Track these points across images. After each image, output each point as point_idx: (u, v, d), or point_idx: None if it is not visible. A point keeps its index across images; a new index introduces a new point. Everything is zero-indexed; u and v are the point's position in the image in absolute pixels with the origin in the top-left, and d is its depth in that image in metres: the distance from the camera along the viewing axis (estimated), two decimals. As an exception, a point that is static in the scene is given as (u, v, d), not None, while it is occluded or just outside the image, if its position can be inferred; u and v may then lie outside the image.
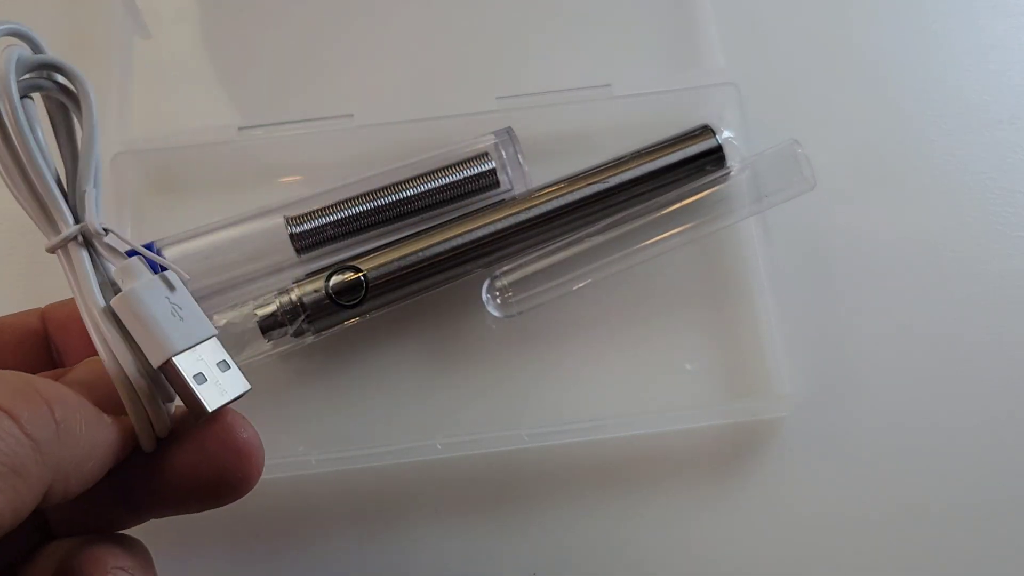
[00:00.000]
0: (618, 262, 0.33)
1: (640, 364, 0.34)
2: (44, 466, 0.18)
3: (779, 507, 0.32)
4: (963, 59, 0.39)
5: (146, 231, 0.35)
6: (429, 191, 0.34)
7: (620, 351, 0.34)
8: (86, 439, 0.19)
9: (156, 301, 0.21)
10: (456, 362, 0.34)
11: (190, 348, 0.20)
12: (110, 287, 0.21)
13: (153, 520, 0.23)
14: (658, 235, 0.34)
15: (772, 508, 0.32)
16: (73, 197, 0.21)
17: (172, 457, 0.21)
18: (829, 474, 0.33)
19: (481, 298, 0.33)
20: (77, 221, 0.21)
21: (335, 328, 0.33)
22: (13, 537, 0.20)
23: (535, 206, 0.34)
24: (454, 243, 0.33)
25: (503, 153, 0.34)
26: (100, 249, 0.21)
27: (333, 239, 0.33)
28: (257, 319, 0.31)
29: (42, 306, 0.24)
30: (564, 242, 0.34)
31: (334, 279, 0.32)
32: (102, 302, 0.20)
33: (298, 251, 0.33)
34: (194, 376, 0.20)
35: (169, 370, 0.20)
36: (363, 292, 0.32)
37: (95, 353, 0.21)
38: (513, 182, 0.34)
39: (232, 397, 0.21)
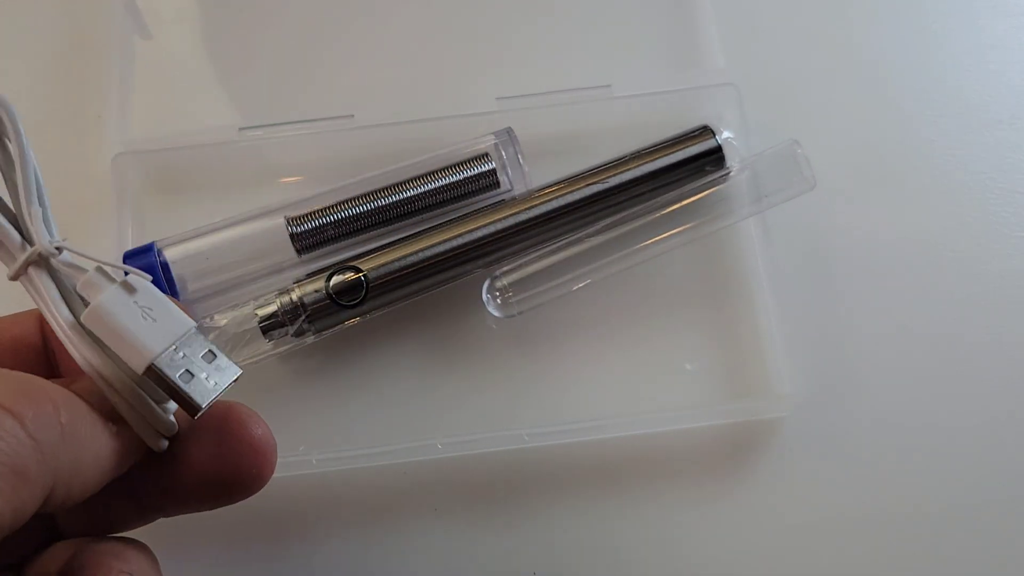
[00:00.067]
0: (618, 262, 0.34)
1: (640, 364, 0.34)
2: (46, 468, 0.17)
3: (779, 507, 0.32)
4: (963, 59, 0.39)
5: (147, 231, 0.35)
6: (429, 191, 0.34)
7: (620, 351, 0.34)
8: (90, 445, 0.19)
9: (123, 309, 0.20)
10: (456, 362, 0.34)
11: (169, 348, 0.20)
12: (80, 302, 0.21)
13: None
14: (658, 235, 0.34)
15: (772, 508, 0.32)
16: (22, 221, 0.21)
17: (185, 455, 0.21)
18: (829, 474, 0.33)
19: (481, 298, 0.33)
20: (31, 244, 0.20)
21: (335, 328, 0.33)
22: (21, 536, 0.20)
23: (535, 206, 0.34)
24: (454, 243, 0.33)
25: (503, 154, 0.34)
26: (59, 267, 0.21)
27: (333, 239, 0.33)
28: (258, 319, 0.31)
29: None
30: (564, 242, 0.34)
31: (334, 279, 0.32)
32: (72, 319, 0.20)
33: (299, 251, 0.33)
34: (180, 376, 0.20)
35: (153, 375, 0.20)
36: (363, 292, 0.32)
37: None
38: (513, 182, 0.34)
39: (223, 387, 0.21)
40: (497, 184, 0.34)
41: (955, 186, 0.37)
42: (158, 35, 0.39)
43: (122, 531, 0.22)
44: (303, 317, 0.32)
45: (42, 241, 0.20)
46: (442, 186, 0.34)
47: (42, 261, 0.20)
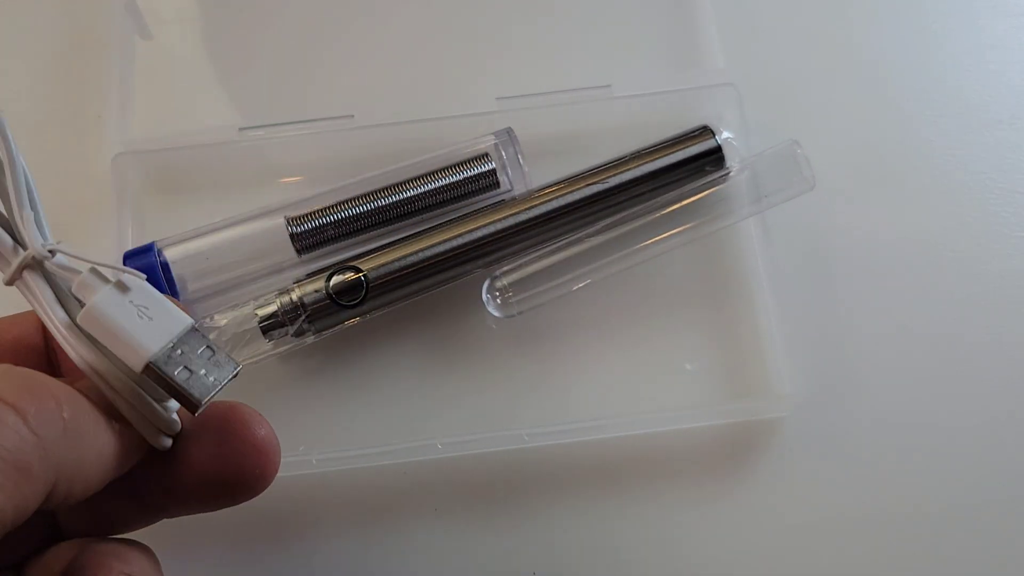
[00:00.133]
0: (618, 262, 0.34)
1: (640, 364, 0.34)
2: (49, 465, 0.17)
3: (779, 507, 0.32)
4: (963, 59, 0.39)
5: (147, 232, 0.35)
6: (429, 192, 0.34)
7: (620, 351, 0.34)
8: (93, 442, 0.19)
9: (118, 309, 0.20)
10: (456, 362, 0.34)
11: (167, 346, 0.20)
12: (76, 304, 0.21)
13: (155, 519, 0.23)
14: (658, 235, 0.34)
15: (772, 508, 0.32)
16: (14, 226, 0.21)
17: (186, 456, 0.21)
18: (829, 474, 0.33)
19: (481, 298, 0.33)
20: (24, 248, 0.20)
21: (335, 328, 0.33)
22: (22, 535, 0.20)
23: (535, 206, 0.34)
24: (454, 243, 0.33)
25: (503, 154, 0.34)
26: (53, 270, 0.20)
27: (334, 239, 0.33)
28: (258, 319, 0.31)
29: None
30: (564, 242, 0.34)
31: (334, 279, 0.32)
32: (68, 321, 0.20)
33: (299, 251, 0.33)
34: (178, 373, 0.20)
35: (151, 374, 0.20)
36: (363, 292, 0.32)
37: None
38: (513, 183, 0.34)
39: (223, 383, 0.20)
40: (497, 184, 0.34)
41: (955, 186, 0.37)
42: (158, 35, 0.39)
43: (125, 531, 0.22)
44: (303, 317, 0.32)
45: (35, 245, 0.20)
46: (442, 186, 0.34)
47: (36, 265, 0.20)
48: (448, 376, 0.34)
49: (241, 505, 0.22)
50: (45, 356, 0.23)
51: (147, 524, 0.22)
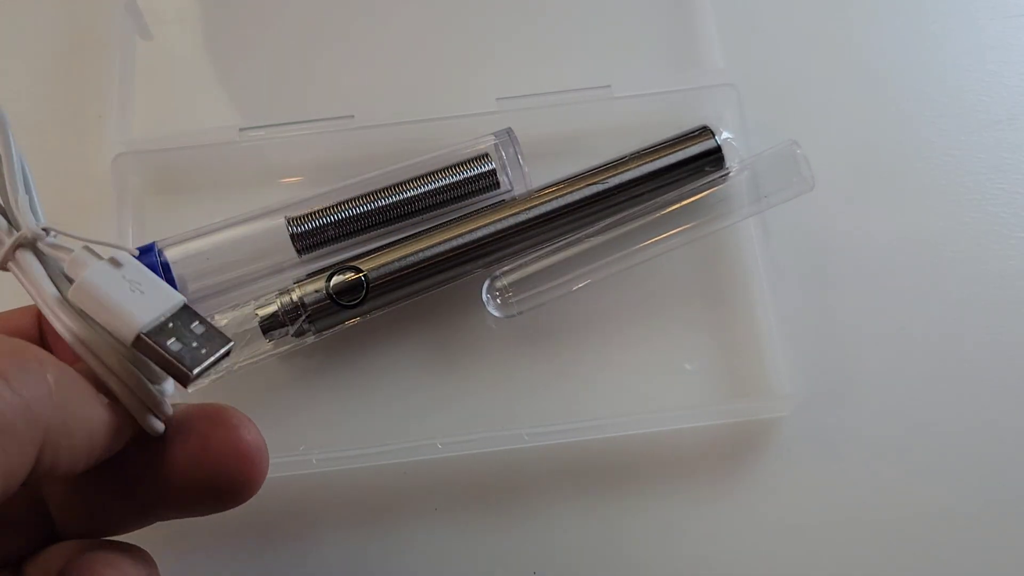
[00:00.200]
0: (618, 262, 0.34)
1: (640, 364, 0.34)
2: (35, 426, 0.17)
3: (779, 507, 0.32)
4: (962, 59, 0.39)
5: (147, 232, 0.35)
6: (430, 192, 0.34)
7: (620, 351, 0.34)
8: (80, 410, 0.18)
9: (110, 282, 0.20)
10: (456, 362, 0.34)
11: (158, 320, 0.20)
12: (67, 284, 0.20)
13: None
14: (658, 235, 0.34)
15: (772, 508, 0.32)
16: (8, 208, 0.21)
17: (174, 458, 0.21)
18: (829, 474, 0.33)
19: (481, 298, 0.33)
20: (18, 229, 0.20)
21: (336, 328, 0.33)
22: (18, 531, 0.20)
23: (535, 207, 0.34)
24: (454, 243, 0.33)
25: (503, 154, 0.34)
26: (46, 250, 0.21)
27: (334, 239, 0.33)
28: (258, 319, 0.31)
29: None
30: (564, 242, 0.34)
31: (335, 279, 0.32)
32: (58, 296, 0.20)
33: (299, 251, 0.33)
34: (169, 343, 0.20)
35: (142, 345, 0.20)
36: (364, 292, 0.32)
37: None
38: (513, 183, 0.35)
39: (215, 356, 0.20)
40: (497, 184, 0.34)
41: (954, 186, 0.37)
42: (159, 35, 0.39)
43: (119, 533, 0.22)
44: (303, 317, 0.32)
45: (29, 224, 0.20)
46: (442, 186, 0.34)
47: (29, 244, 0.20)
48: (448, 376, 0.34)
49: (241, 505, 0.22)
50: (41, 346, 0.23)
51: (140, 526, 0.22)
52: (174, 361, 0.20)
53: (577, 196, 0.34)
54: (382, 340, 0.34)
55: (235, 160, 0.36)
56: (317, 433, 0.33)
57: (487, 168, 0.34)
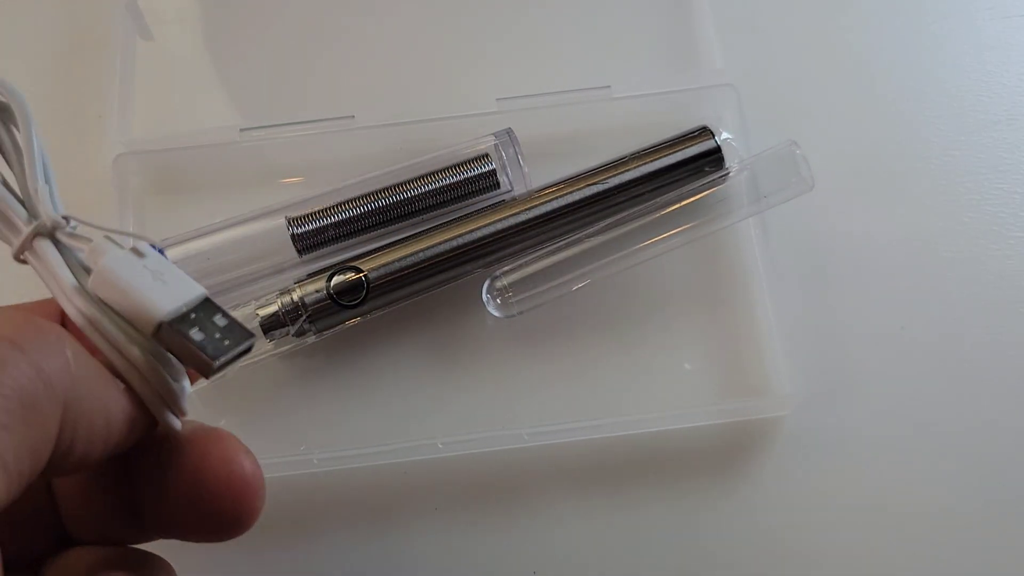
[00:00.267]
0: (618, 262, 0.34)
1: (640, 364, 0.34)
2: (55, 401, 0.16)
3: (778, 506, 0.33)
4: (961, 60, 0.39)
5: (148, 232, 0.35)
6: (430, 192, 0.34)
7: (620, 351, 0.34)
8: (97, 389, 0.18)
9: (133, 270, 0.19)
10: (456, 362, 0.34)
11: (181, 310, 0.19)
12: (85, 274, 0.20)
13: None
14: (657, 236, 0.34)
15: (771, 507, 0.33)
16: (27, 198, 0.21)
17: (173, 478, 0.20)
18: (829, 474, 0.33)
19: (481, 298, 0.33)
20: (37, 218, 0.20)
21: (336, 328, 0.33)
22: (32, 533, 0.20)
23: (535, 207, 0.34)
24: (454, 243, 0.33)
25: (503, 154, 0.34)
26: (65, 239, 0.20)
27: (334, 240, 0.34)
28: (259, 319, 0.31)
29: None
30: (564, 242, 0.34)
31: (335, 279, 0.32)
32: (77, 285, 0.20)
33: (299, 252, 0.33)
34: (191, 334, 0.19)
35: (164, 335, 0.19)
36: (364, 292, 0.32)
37: None
38: (513, 183, 0.35)
39: (239, 348, 0.19)
40: (497, 185, 0.34)
41: (953, 186, 0.37)
42: (159, 36, 0.39)
43: (129, 544, 0.22)
44: (304, 317, 0.32)
45: (48, 213, 0.20)
46: (442, 187, 0.34)
47: (48, 233, 0.20)
48: (448, 376, 0.34)
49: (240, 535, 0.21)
50: None
51: (147, 540, 0.22)
52: (197, 351, 0.19)
53: (577, 196, 0.34)
54: (382, 340, 0.34)
55: (235, 160, 0.36)
56: (317, 433, 0.33)
57: (487, 168, 0.34)
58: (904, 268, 0.36)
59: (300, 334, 0.32)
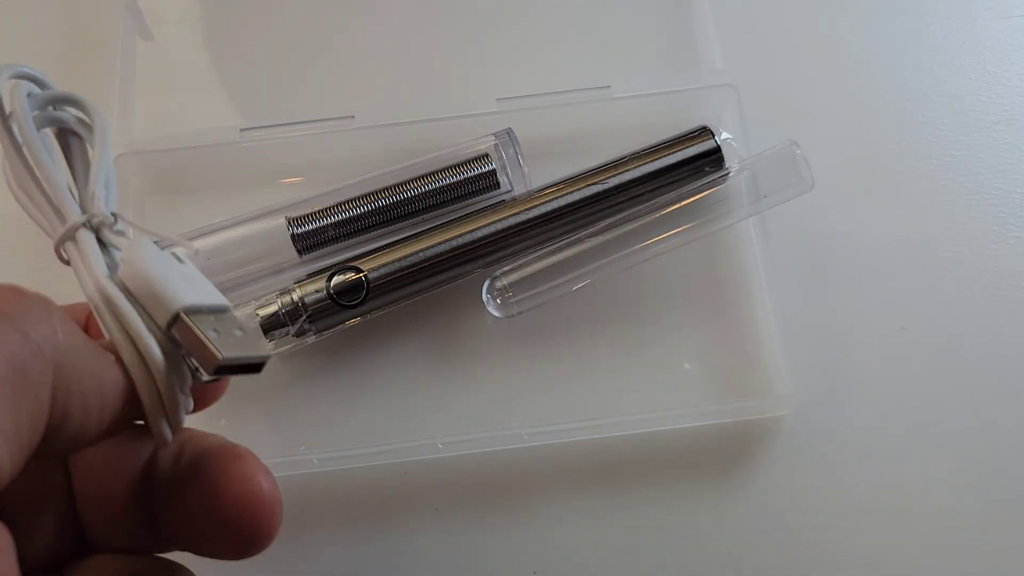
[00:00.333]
0: (618, 262, 0.34)
1: (640, 364, 0.34)
2: (46, 368, 0.16)
3: (779, 506, 0.33)
4: (961, 60, 0.39)
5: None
6: (430, 192, 0.34)
7: (620, 351, 0.34)
8: (87, 358, 0.18)
9: (164, 265, 0.20)
10: (456, 362, 0.34)
11: (201, 306, 0.19)
12: (117, 268, 0.20)
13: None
14: (657, 236, 0.34)
15: (772, 507, 0.32)
16: (83, 199, 0.21)
17: (191, 494, 0.20)
18: (829, 473, 0.33)
19: (481, 298, 0.33)
20: (85, 212, 0.21)
21: (336, 328, 0.33)
22: (53, 536, 0.20)
23: (535, 207, 0.34)
24: (454, 243, 0.33)
25: (503, 154, 0.35)
26: (108, 235, 0.20)
27: (334, 240, 0.34)
28: (259, 319, 0.31)
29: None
30: (564, 242, 0.34)
31: (335, 279, 0.32)
32: (107, 274, 0.20)
33: (299, 252, 0.33)
34: (204, 328, 0.19)
35: (179, 327, 0.19)
36: (364, 292, 0.32)
37: None
38: (513, 183, 0.35)
39: (247, 354, 0.19)
40: (497, 185, 0.34)
41: (953, 187, 0.37)
42: (160, 36, 0.39)
43: (151, 553, 0.22)
44: (304, 317, 0.32)
45: (99, 210, 0.21)
46: (442, 187, 0.34)
47: (93, 227, 0.20)
48: (448, 376, 0.34)
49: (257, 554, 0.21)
50: None
51: (165, 551, 0.22)
52: (207, 342, 0.19)
53: (577, 196, 0.34)
54: (382, 340, 0.34)
55: (235, 160, 0.36)
56: (317, 433, 0.33)
57: (487, 168, 0.34)
58: (904, 268, 0.36)
59: (300, 334, 0.32)
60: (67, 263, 0.21)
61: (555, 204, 0.34)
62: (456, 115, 0.36)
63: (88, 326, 0.22)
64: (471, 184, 0.34)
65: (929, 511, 0.33)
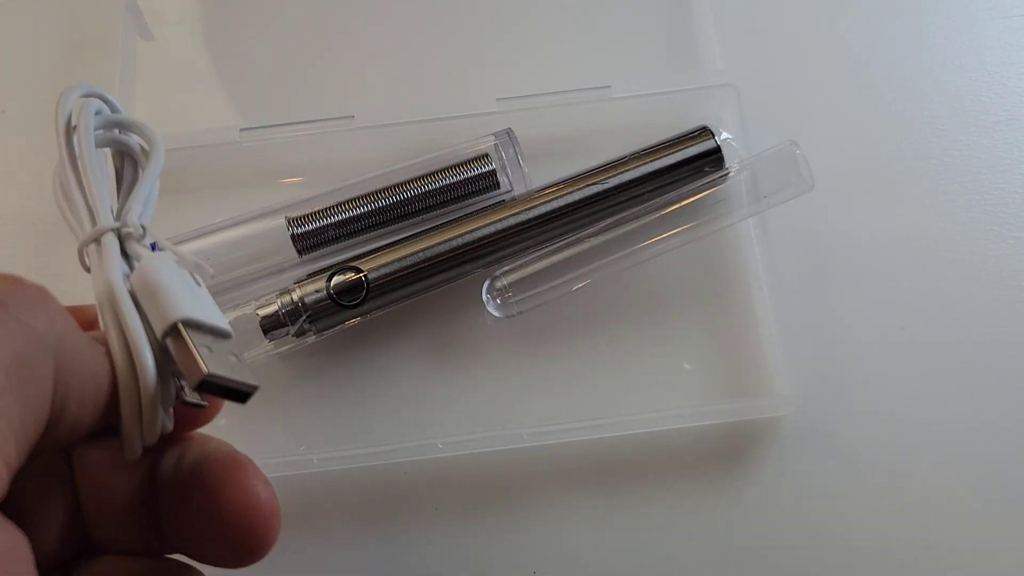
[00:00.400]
0: (618, 262, 0.34)
1: (640, 364, 0.34)
2: (47, 355, 0.16)
3: (778, 506, 0.33)
4: (961, 60, 0.39)
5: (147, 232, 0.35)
6: (430, 192, 0.34)
7: (620, 351, 0.34)
8: (82, 344, 0.18)
9: (177, 279, 0.20)
10: (456, 362, 0.34)
11: (203, 322, 0.19)
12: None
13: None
14: (657, 236, 0.34)
15: (771, 507, 0.32)
16: (120, 210, 0.22)
17: (190, 505, 0.20)
18: (828, 473, 0.33)
19: (481, 298, 0.33)
20: (117, 220, 0.21)
21: (336, 328, 0.33)
22: (57, 540, 0.20)
23: (535, 207, 0.34)
24: (454, 244, 0.33)
25: (503, 154, 0.35)
26: (135, 247, 0.21)
27: (334, 240, 0.34)
28: (259, 319, 0.32)
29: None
30: (564, 242, 0.34)
31: (335, 279, 0.32)
32: (120, 279, 0.20)
33: (299, 252, 0.33)
34: (198, 343, 0.19)
35: (174, 338, 0.19)
36: (364, 292, 0.32)
37: None
38: (513, 183, 0.35)
39: (234, 379, 0.19)
40: (497, 185, 0.34)
41: (953, 187, 0.37)
42: (160, 36, 0.39)
43: (154, 556, 0.22)
44: (304, 317, 0.32)
45: (133, 221, 0.21)
46: (442, 187, 0.34)
47: (120, 235, 0.21)
48: (448, 376, 0.34)
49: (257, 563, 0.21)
50: None
51: (168, 554, 0.22)
52: (196, 355, 0.19)
53: (577, 196, 0.34)
54: (382, 340, 0.34)
55: (235, 160, 0.36)
56: (317, 433, 0.33)
57: (487, 168, 0.34)
58: (904, 268, 0.36)
59: (300, 334, 0.32)
60: (87, 270, 0.21)
61: (555, 204, 0.34)
62: (456, 115, 0.36)
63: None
64: (471, 184, 0.34)
65: (929, 511, 0.33)
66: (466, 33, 0.40)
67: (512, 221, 0.34)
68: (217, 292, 0.33)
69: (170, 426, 0.20)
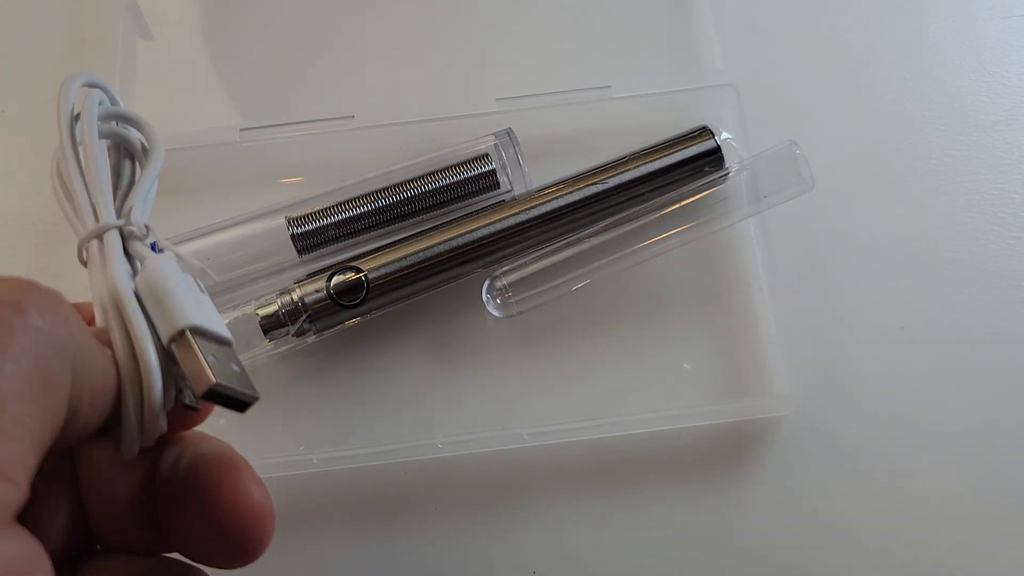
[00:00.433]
0: (618, 262, 0.34)
1: (640, 364, 0.34)
2: (65, 361, 0.17)
3: (778, 506, 0.33)
4: (961, 60, 0.39)
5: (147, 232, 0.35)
6: (430, 192, 0.34)
7: (620, 351, 0.34)
8: (93, 347, 0.18)
9: (183, 284, 0.20)
10: (456, 362, 0.34)
11: (208, 331, 0.19)
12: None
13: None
14: (657, 235, 0.34)
15: (771, 507, 0.33)
16: (120, 207, 0.22)
17: (187, 505, 0.21)
18: (828, 473, 0.33)
19: (481, 298, 0.33)
20: (119, 218, 0.21)
21: (336, 328, 0.33)
22: (61, 533, 0.20)
23: (535, 207, 0.34)
24: (454, 243, 0.33)
25: (503, 154, 0.35)
26: (137, 246, 0.21)
27: (334, 240, 0.34)
28: (259, 319, 0.32)
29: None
30: (564, 242, 0.34)
31: (335, 279, 0.32)
32: (125, 281, 0.20)
33: (299, 252, 0.33)
34: (204, 351, 0.19)
35: (179, 345, 0.19)
36: (364, 292, 0.32)
37: None
38: (513, 183, 0.35)
39: (237, 390, 0.20)
40: (497, 185, 0.34)
41: (953, 187, 0.37)
42: (160, 36, 0.39)
43: (153, 555, 0.22)
44: (304, 317, 0.32)
45: (134, 220, 0.21)
46: (442, 187, 0.34)
47: (123, 233, 0.21)
48: (448, 376, 0.34)
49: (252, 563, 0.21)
50: None
51: (168, 552, 0.22)
52: (204, 363, 0.19)
53: (577, 196, 0.34)
54: (382, 340, 0.34)
55: (235, 160, 0.36)
56: (317, 433, 0.33)
57: (487, 168, 0.34)
58: (904, 268, 0.36)
59: (300, 334, 0.32)
60: (84, 264, 0.21)
61: (555, 204, 0.34)
62: (456, 115, 0.36)
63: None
64: (471, 184, 0.34)
65: (929, 511, 0.33)
66: (466, 33, 0.40)
67: (512, 221, 0.34)
68: (217, 292, 0.33)
69: (165, 428, 0.21)
